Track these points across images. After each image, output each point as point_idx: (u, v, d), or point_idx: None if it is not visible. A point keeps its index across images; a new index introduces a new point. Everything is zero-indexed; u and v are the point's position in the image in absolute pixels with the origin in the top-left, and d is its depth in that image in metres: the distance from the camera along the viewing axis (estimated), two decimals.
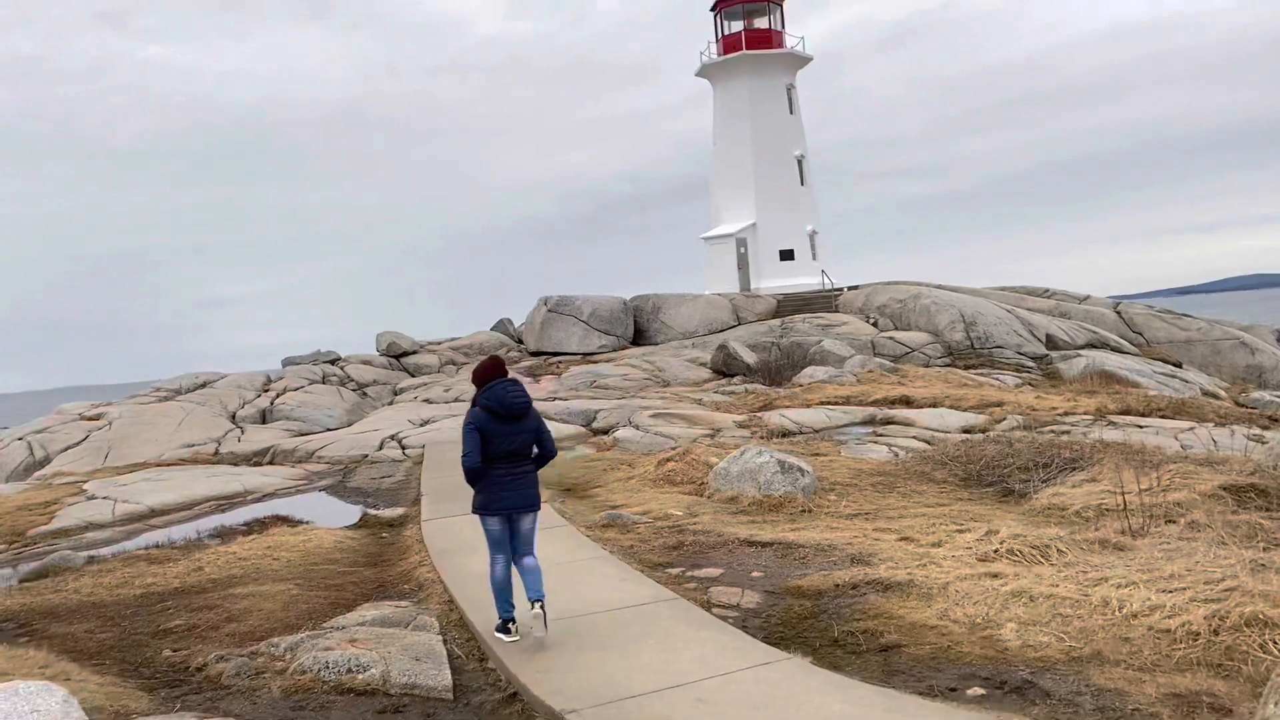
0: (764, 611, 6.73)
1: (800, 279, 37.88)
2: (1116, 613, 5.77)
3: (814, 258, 39.09)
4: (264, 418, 28.08)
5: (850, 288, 35.98)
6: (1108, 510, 9.22)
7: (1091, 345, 29.67)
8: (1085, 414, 18.41)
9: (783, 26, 40.16)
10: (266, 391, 30.45)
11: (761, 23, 39.87)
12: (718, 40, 40.26)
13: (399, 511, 11.95)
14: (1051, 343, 29.36)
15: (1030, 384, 25.47)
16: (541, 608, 6.04)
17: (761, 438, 17.12)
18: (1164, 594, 5.99)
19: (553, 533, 9.05)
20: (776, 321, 32.68)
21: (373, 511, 12.10)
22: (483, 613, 6.75)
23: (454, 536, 9.40)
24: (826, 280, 37.39)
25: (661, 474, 12.04)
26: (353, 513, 12.43)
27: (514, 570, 6.38)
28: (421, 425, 21.00)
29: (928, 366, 27.60)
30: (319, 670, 5.84)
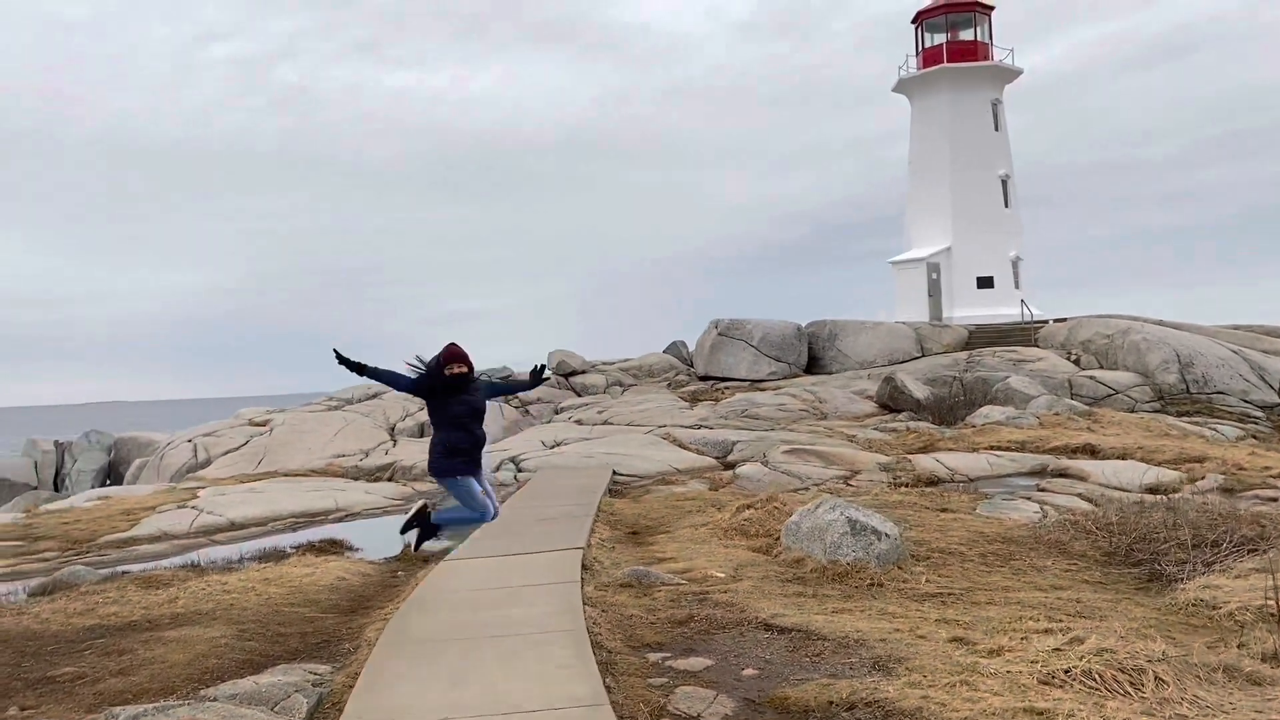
0: None
1: (999, 309, 34.83)
2: None
3: (1016, 286, 35.90)
4: (422, 431, 27.99)
5: (1056, 320, 32.66)
6: (1273, 615, 6.95)
7: None
8: None
9: (990, 38, 37.28)
10: None
11: (966, 34, 37.16)
12: (918, 53, 37.84)
13: (447, 544, 10.86)
14: None
15: (1254, 437, 21.91)
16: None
17: (900, 484, 15.12)
18: None
19: (548, 591, 7.66)
20: (963, 354, 29.97)
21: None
22: (374, 696, 5.46)
23: (452, 583, 8.20)
24: (1026, 311, 34.15)
25: (735, 523, 10.42)
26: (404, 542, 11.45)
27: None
28: (551, 448, 20.03)
29: (1132, 411, 24.36)
30: None
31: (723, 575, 8.42)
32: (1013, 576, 8.58)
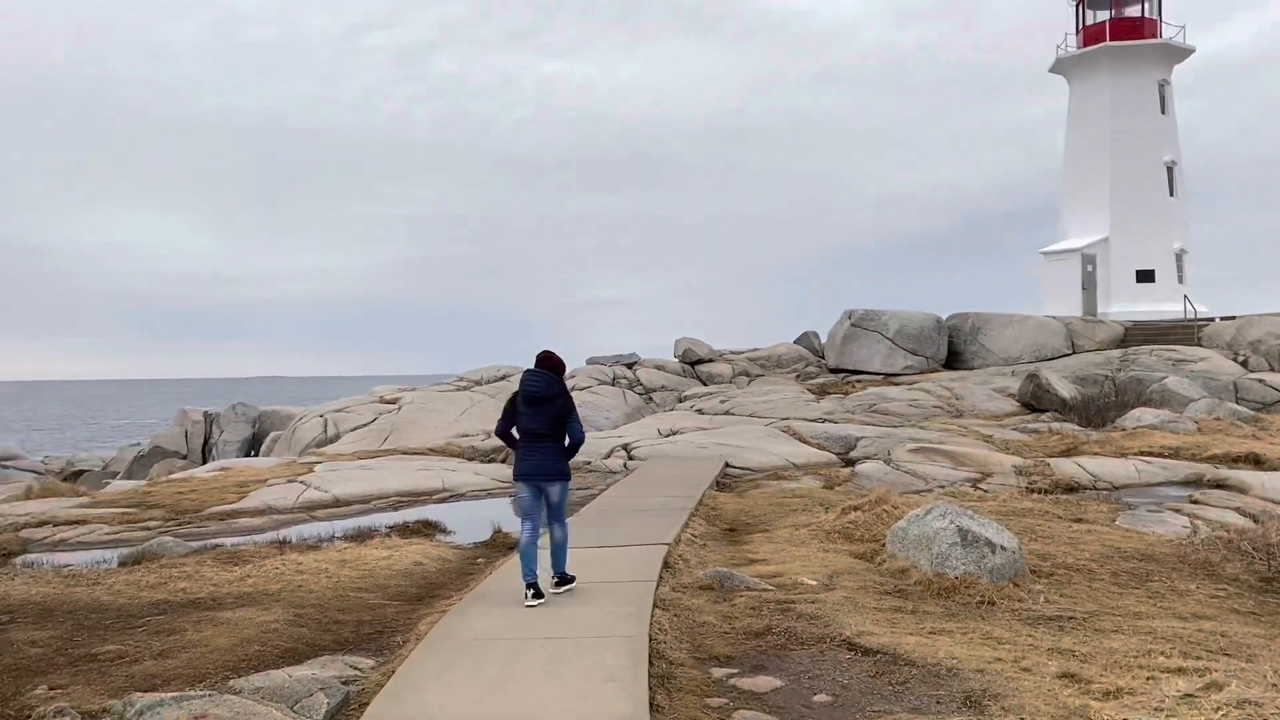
0: None
1: (1159, 305, 32.52)
2: None
3: (1179, 281, 33.46)
4: None
5: (1223, 318, 30.26)
6: None
7: None
8: None
9: (1159, 14, 34.77)
10: None
11: (1132, 10, 34.76)
12: (1078, 31, 35.62)
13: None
14: None
15: None
16: (557, 585, 7.03)
17: (1034, 490, 13.98)
18: None
19: (619, 590, 7.11)
20: (1118, 352, 28.04)
21: (506, 530, 10.70)
22: (399, 701, 5.02)
23: None
24: (1190, 308, 31.76)
25: (839, 525, 9.65)
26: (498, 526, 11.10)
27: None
28: (666, 436, 19.50)
29: None
30: None
31: (814, 583, 7.71)
32: (1148, 600, 7.59)
